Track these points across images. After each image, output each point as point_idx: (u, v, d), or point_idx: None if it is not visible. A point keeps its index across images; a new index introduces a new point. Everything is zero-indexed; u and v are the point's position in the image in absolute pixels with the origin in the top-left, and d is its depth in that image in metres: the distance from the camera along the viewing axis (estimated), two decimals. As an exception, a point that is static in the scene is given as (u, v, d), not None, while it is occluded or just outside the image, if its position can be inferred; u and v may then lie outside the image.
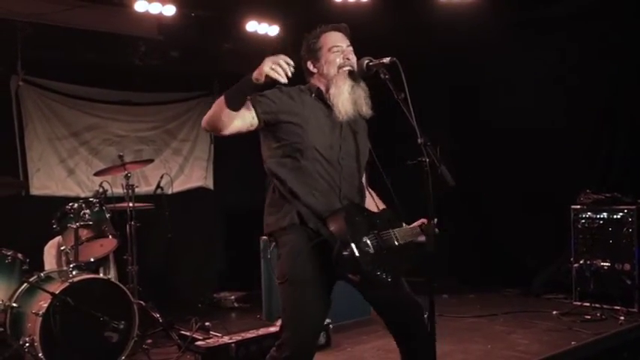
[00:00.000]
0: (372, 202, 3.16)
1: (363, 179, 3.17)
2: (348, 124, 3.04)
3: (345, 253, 2.73)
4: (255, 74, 2.74)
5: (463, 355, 4.74)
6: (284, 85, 2.84)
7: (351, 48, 3.08)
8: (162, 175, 5.84)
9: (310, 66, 3.10)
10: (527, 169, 6.83)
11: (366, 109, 3.02)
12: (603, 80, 6.43)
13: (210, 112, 2.84)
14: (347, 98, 2.98)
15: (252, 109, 2.88)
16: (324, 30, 3.11)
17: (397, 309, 3.02)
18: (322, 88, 3.06)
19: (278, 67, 2.72)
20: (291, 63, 2.75)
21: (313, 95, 3.04)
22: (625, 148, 6.40)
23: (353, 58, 3.04)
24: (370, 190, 3.22)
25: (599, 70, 6.38)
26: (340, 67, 3.01)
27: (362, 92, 3.02)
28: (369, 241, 2.83)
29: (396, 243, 2.97)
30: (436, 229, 2.92)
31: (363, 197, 3.14)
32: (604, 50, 6.34)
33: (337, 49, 3.04)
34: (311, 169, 2.93)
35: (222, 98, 2.79)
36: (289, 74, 2.75)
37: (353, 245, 2.74)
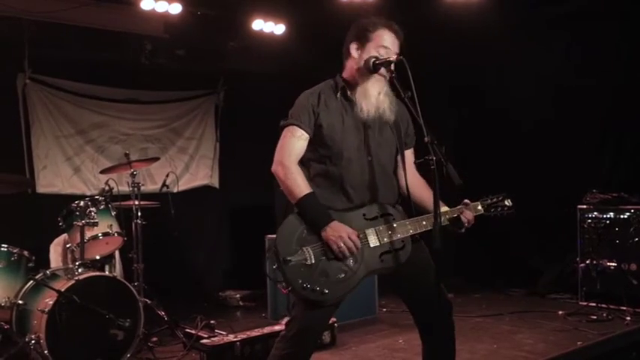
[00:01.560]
0: (420, 187, 3.07)
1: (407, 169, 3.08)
2: (374, 119, 2.99)
3: (274, 266, 2.81)
4: (329, 233, 2.78)
5: (469, 354, 4.72)
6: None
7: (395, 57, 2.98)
8: (168, 174, 5.83)
9: (353, 50, 3.02)
10: (533, 169, 6.80)
11: (389, 115, 2.99)
12: (609, 79, 6.39)
13: (282, 181, 2.90)
14: (372, 103, 2.96)
15: (303, 132, 2.93)
16: (385, 25, 3.01)
17: (423, 302, 2.99)
18: (350, 80, 3.02)
19: (343, 247, 2.77)
20: (355, 249, 2.79)
21: (339, 95, 3.01)
22: (631, 148, 6.38)
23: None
24: (417, 176, 3.13)
25: (604, 69, 6.35)
26: None
27: (387, 99, 2.99)
28: (310, 251, 2.80)
29: (372, 245, 2.87)
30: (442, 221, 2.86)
31: (395, 191, 3.08)
32: (609, 49, 6.31)
33: (385, 51, 2.96)
34: (337, 172, 2.94)
35: (296, 197, 2.84)
36: (346, 255, 2.80)
37: (280, 259, 2.76)
